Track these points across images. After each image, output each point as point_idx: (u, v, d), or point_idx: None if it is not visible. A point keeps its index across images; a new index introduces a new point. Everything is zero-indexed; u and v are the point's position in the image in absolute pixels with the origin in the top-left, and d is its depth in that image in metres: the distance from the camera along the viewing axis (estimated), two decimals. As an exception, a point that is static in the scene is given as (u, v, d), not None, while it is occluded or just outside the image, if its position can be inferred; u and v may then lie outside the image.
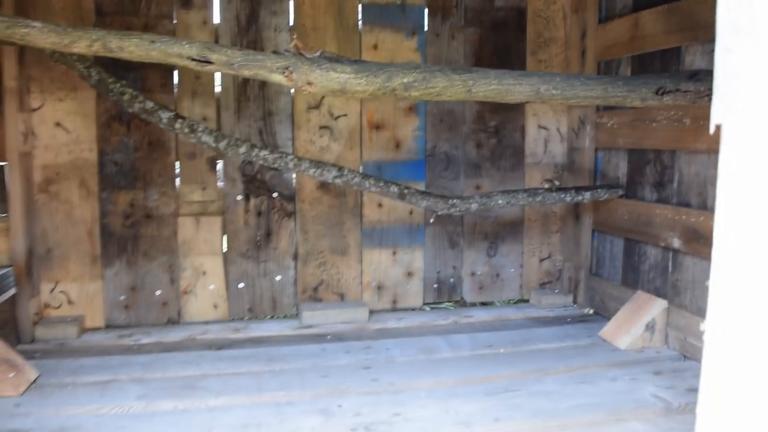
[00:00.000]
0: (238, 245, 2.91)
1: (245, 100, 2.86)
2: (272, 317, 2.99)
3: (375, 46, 2.94)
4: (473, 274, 3.20)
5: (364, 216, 3.02)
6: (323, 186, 2.95)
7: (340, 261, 3.02)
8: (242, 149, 2.44)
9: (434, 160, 3.07)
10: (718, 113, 1.05)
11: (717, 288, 1.03)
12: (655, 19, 2.59)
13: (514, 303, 3.28)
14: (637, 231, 2.75)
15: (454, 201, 2.65)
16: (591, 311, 3.10)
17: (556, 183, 2.77)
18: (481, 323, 2.95)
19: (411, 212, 3.05)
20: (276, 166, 2.50)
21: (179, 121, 2.42)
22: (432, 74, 1.83)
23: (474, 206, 2.68)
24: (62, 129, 2.73)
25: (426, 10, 3.01)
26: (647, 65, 2.68)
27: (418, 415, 1.97)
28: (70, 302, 2.79)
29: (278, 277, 2.96)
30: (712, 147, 2.23)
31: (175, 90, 2.81)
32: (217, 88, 2.87)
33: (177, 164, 2.86)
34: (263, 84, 2.85)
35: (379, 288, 3.08)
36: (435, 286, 3.16)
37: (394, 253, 3.07)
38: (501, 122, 3.12)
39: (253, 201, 2.90)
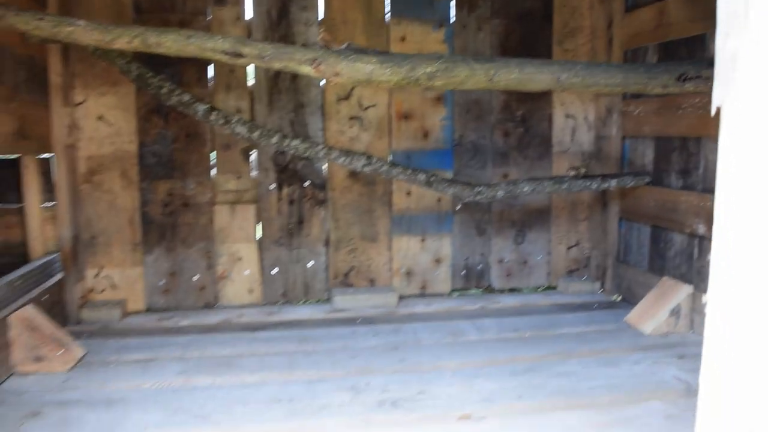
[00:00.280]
0: (272, 232, 3.02)
1: (277, 92, 2.96)
2: (305, 302, 3.09)
3: (403, 39, 3.01)
4: (501, 261, 3.26)
5: (393, 204, 3.10)
6: (353, 175, 3.04)
7: (370, 248, 3.11)
8: (274, 139, 2.54)
9: (461, 149, 3.14)
10: (718, 96, 1.11)
11: (718, 263, 1.09)
12: (680, 6, 2.61)
13: (542, 290, 3.33)
14: (664, 218, 2.78)
15: (480, 188, 2.71)
16: (618, 298, 3.14)
17: (582, 170, 2.81)
18: (508, 308, 3.01)
19: (439, 200, 3.12)
20: (307, 155, 2.59)
21: (214, 113, 2.53)
22: (454, 64, 1.90)
23: (500, 193, 2.74)
24: (104, 122, 2.87)
25: (453, 2, 3.07)
26: (673, 53, 2.70)
27: (443, 392, 2.05)
28: (113, 287, 2.93)
29: (310, 263, 3.06)
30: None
31: (210, 84, 2.93)
32: (250, 82, 2.97)
33: (213, 155, 2.97)
34: (294, 77, 2.94)
35: (408, 274, 3.16)
36: (463, 272, 3.23)
37: (423, 240, 3.15)
38: (528, 111, 3.17)
39: (285, 190, 3.01)
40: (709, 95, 2.45)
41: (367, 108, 3.03)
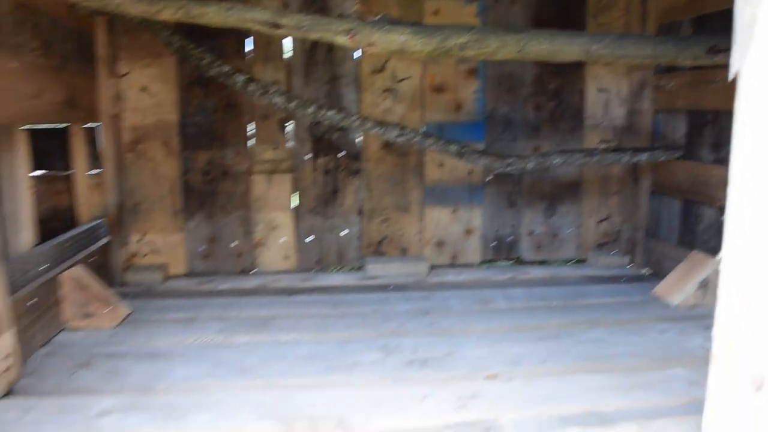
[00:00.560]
0: (307, 201, 3.12)
1: (313, 64, 3.03)
2: (338, 269, 3.19)
3: (436, 12, 3.05)
4: (531, 233, 3.30)
5: (426, 175, 3.17)
6: (387, 146, 3.10)
7: (402, 218, 3.18)
8: (310, 109, 2.62)
9: (493, 122, 3.18)
10: (736, 60, 1.15)
11: (732, 223, 1.14)
12: (715, -22, 2.61)
13: (571, 263, 3.37)
14: (695, 192, 2.79)
15: (511, 159, 2.76)
16: (648, 272, 3.17)
17: (612, 142, 2.83)
18: (537, 279, 3.07)
19: (470, 172, 3.18)
20: (342, 125, 2.66)
21: (253, 83, 2.61)
22: (485, 35, 1.95)
23: (530, 165, 2.78)
24: (147, 93, 2.97)
25: (487, -24, 3.10)
26: (707, 26, 2.70)
27: (470, 353, 2.13)
28: (155, 251, 3.06)
29: (344, 232, 3.15)
30: None
31: (248, 56, 3.01)
32: (287, 54, 3.05)
33: (251, 126, 3.06)
34: (330, 49, 3.01)
35: (439, 244, 3.23)
36: (493, 244, 3.29)
37: (454, 211, 3.21)
38: (560, 85, 3.19)
39: (321, 160, 3.09)
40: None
41: (401, 80, 3.08)
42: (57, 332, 2.29)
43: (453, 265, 3.26)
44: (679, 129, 2.92)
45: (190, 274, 3.09)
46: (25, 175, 2.23)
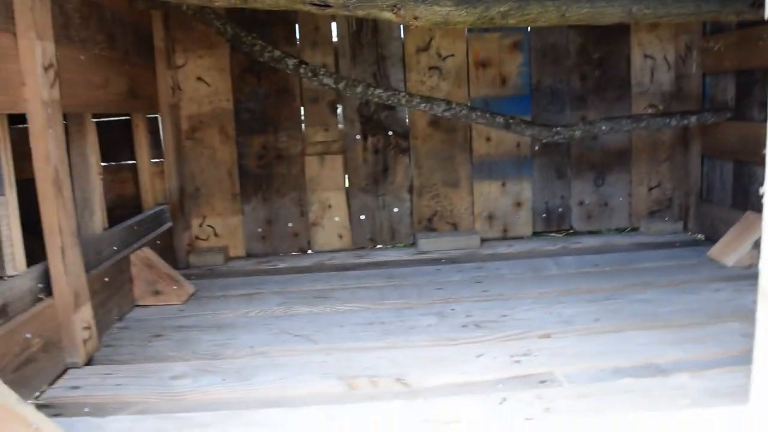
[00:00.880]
0: (359, 180, 3.20)
1: (359, 46, 3.11)
2: (391, 246, 3.27)
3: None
4: (581, 203, 3.32)
5: (474, 150, 3.21)
6: (434, 123, 3.16)
7: (452, 193, 3.24)
8: (359, 89, 2.70)
9: (539, 94, 3.20)
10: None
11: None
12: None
13: (623, 231, 3.37)
14: (746, 152, 2.77)
15: (558, 129, 2.78)
16: (701, 237, 3.15)
17: (660, 108, 2.83)
18: (589, 248, 3.08)
19: (518, 145, 3.21)
20: (390, 102, 2.74)
21: (303, 66, 2.70)
22: (527, 2, 1.99)
23: (578, 133, 2.81)
24: (203, 83, 3.11)
25: (528, -51, 3.11)
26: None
27: (524, 316, 2.18)
28: (216, 234, 3.19)
29: (395, 209, 3.23)
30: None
31: (297, 42, 3.11)
32: (334, 38, 3.13)
33: (302, 109, 3.17)
34: (375, 31, 3.09)
35: (490, 218, 3.28)
36: (543, 215, 3.32)
37: (503, 184, 3.25)
38: (605, 54, 3.19)
39: (370, 140, 3.17)
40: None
41: (445, 58, 3.14)
42: (130, 309, 2.44)
43: (504, 238, 3.30)
44: (727, 90, 2.89)
45: (248, 255, 3.22)
46: (95, 162, 2.37)
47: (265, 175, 3.17)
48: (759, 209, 2.67)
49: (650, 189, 3.33)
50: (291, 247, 3.22)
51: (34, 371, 1.73)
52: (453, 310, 2.27)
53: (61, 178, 1.89)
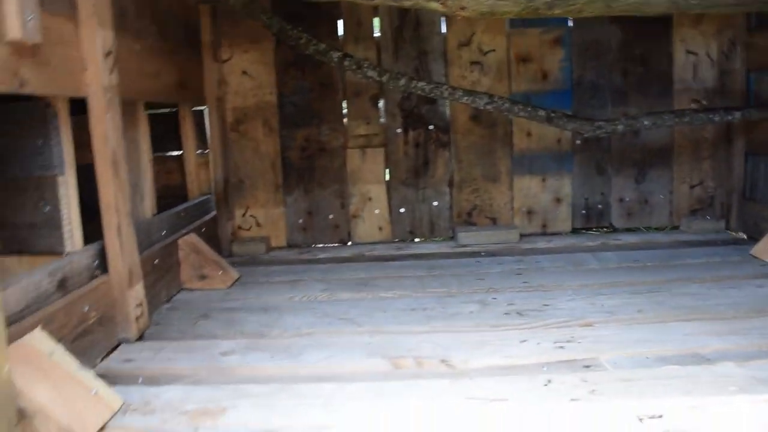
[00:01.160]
0: (399, 174, 3.24)
1: (402, 41, 3.15)
2: (430, 239, 3.29)
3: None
4: (621, 200, 3.31)
5: (514, 145, 3.23)
6: (475, 117, 3.19)
7: (492, 187, 3.26)
8: (402, 81, 2.73)
9: (580, 90, 3.20)
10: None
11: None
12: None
13: (663, 230, 3.35)
14: (792, 149, 2.74)
15: (600, 123, 2.78)
16: (744, 236, 3.12)
17: (704, 103, 2.81)
18: (629, 244, 3.07)
19: (559, 140, 3.21)
20: (432, 95, 2.77)
21: (347, 59, 2.75)
22: (573, -9, 2.00)
23: (620, 128, 2.80)
24: (248, 76, 3.17)
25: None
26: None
27: (565, 306, 2.19)
28: (258, 225, 3.26)
29: (435, 203, 3.26)
30: None
31: (340, 37, 3.16)
32: (376, 33, 3.18)
33: (344, 103, 3.21)
34: (418, 26, 3.12)
35: (529, 213, 3.29)
36: (583, 211, 3.31)
37: (543, 179, 3.26)
38: (647, 49, 3.18)
39: (411, 133, 3.21)
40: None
41: (486, 53, 3.16)
42: (177, 291, 2.51)
43: (543, 233, 3.30)
44: (774, 87, 2.87)
45: (290, 246, 3.27)
46: (147, 149, 2.44)
47: (308, 168, 3.22)
48: (806, 204, 2.65)
49: (692, 187, 3.30)
50: (331, 238, 3.27)
51: (90, 343, 1.79)
52: (494, 299, 2.29)
53: (118, 160, 1.96)
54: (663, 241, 3.13)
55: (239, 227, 3.26)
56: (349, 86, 3.18)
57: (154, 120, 2.94)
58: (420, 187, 3.25)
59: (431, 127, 3.21)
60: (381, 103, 3.22)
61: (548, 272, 2.64)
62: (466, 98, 2.74)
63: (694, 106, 2.82)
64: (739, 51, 3.02)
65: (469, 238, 3.15)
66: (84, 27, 1.84)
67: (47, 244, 1.87)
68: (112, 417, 1.48)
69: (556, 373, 1.66)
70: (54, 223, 1.87)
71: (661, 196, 3.30)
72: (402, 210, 3.26)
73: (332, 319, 2.14)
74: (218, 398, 1.56)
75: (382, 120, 3.22)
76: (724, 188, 3.24)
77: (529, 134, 3.21)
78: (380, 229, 3.27)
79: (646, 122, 2.79)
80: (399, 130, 3.20)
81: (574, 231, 3.33)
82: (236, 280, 2.65)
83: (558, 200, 3.28)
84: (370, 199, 3.24)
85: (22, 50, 1.51)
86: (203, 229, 2.87)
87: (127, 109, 2.34)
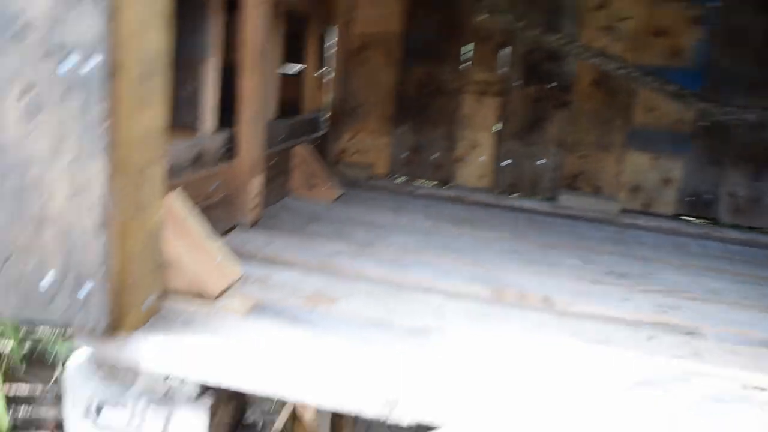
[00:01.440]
0: (510, 126, 3.22)
1: (537, -6, 3.11)
2: (530, 197, 3.27)
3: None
4: (732, 194, 3.20)
5: (633, 118, 3.15)
6: (598, 83, 3.12)
7: (601, 156, 3.21)
8: (536, 31, 2.71)
9: (713, 73, 3.08)
10: None
11: None
12: None
13: (772, 232, 3.24)
14: None
15: (731, 108, 2.70)
16: None
17: None
18: (734, 239, 2.97)
19: (679, 120, 3.12)
20: (563, 51, 2.73)
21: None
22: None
23: (751, 117, 2.71)
24: (377, 4, 3.19)
25: None
26: None
27: (667, 278, 2.16)
28: (363, 151, 3.31)
29: (541, 161, 3.23)
30: None
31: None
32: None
33: (469, 46, 3.20)
34: (553, -20, 3.08)
35: (634, 189, 3.22)
36: (689, 198, 3.23)
37: (656, 158, 3.18)
38: (795, 43, 3.04)
39: (530, 88, 3.17)
40: None
41: (622, 19, 3.08)
42: (286, 196, 2.60)
43: (645, 212, 3.24)
44: None
45: (390, 177, 3.32)
46: (278, 55, 2.51)
47: (421, 105, 3.24)
48: None
49: (810, 193, 3.17)
50: (432, 177, 3.30)
51: (213, 219, 1.88)
52: (595, 258, 2.29)
53: (264, 53, 2.03)
54: (769, 242, 3.03)
55: (344, 151, 3.32)
56: (478, 31, 3.16)
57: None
58: (529, 143, 3.22)
59: (552, 85, 3.16)
60: (506, 52, 3.19)
61: (649, 247, 2.60)
62: (596, 59, 2.70)
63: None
64: None
65: (570, 201, 3.12)
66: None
67: (188, 120, 1.96)
68: (233, 284, 1.56)
69: (660, 333, 1.66)
70: (195, 102, 1.96)
71: (775, 198, 3.19)
72: (507, 162, 3.25)
73: (435, 245, 2.18)
74: (332, 288, 1.64)
75: (504, 69, 3.20)
76: None
77: (651, 109, 3.13)
78: (481, 177, 3.27)
79: (781, 115, 2.68)
80: (518, 83, 3.18)
81: (676, 217, 3.25)
82: (341, 196, 2.72)
83: (666, 182, 3.21)
84: (477, 146, 3.25)
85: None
86: (313, 144, 2.94)
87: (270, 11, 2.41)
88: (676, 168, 3.19)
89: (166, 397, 1.30)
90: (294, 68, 3.23)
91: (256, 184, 2.10)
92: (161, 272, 1.38)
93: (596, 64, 2.71)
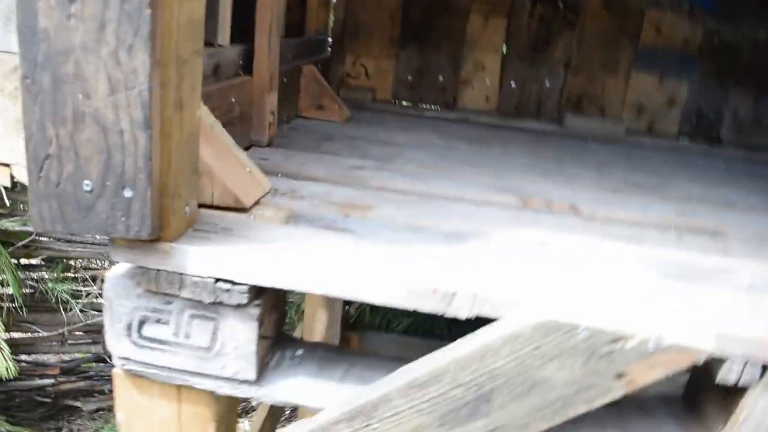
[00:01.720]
0: (517, 47, 3.18)
1: None
2: (535, 119, 3.25)
3: None
4: (735, 114, 3.21)
5: (641, 39, 3.11)
6: (607, 5, 3.07)
7: (607, 78, 3.18)
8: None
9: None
10: None
11: None
12: None
13: (772, 151, 3.26)
14: None
15: (742, 26, 2.67)
16: None
17: None
18: (737, 157, 3.00)
19: (686, 40, 3.09)
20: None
21: None
22: None
23: (763, 34, 2.69)
24: None
25: None
26: None
27: (682, 187, 2.19)
28: (366, 75, 3.25)
29: (547, 83, 3.20)
30: None
31: None
32: None
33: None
34: None
35: (639, 110, 3.21)
36: (693, 118, 3.23)
37: (661, 80, 3.16)
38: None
39: (538, 7, 3.12)
40: None
41: (634, -64, 3.02)
42: (295, 116, 2.56)
43: (649, 133, 3.24)
44: None
45: (394, 100, 3.28)
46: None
47: (426, 26, 3.17)
48: None
49: (813, 111, 3.18)
50: (436, 100, 3.25)
51: (232, 134, 1.85)
52: (609, 171, 2.30)
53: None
54: (771, 160, 3.06)
55: (348, 74, 3.26)
56: (483, -53, 3.08)
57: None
58: (535, 64, 3.18)
59: (561, 4, 3.11)
60: (513, -30, 3.13)
61: (656, 161, 2.62)
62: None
63: None
64: None
65: (575, 122, 3.11)
66: None
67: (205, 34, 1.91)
68: (264, 195, 1.55)
69: (686, 233, 1.68)
70: (211, 13, 1.90)
71: (777, 117, 3.20)
72: (513, 84, 3.22)
73: (452, 160, 2.17)
74: (362, 198, 1.63)
75: (512, -12, 3.14)
76: None
77: (658, 30, 3.09)
78: (487, 99, 3.24)
79: (791, 30, 2.67)
80: (526, 2, 3.12)
81: (680, 136, 3.26)
82: (349, 117, 2.68)
83: (671, 102, 3.20)
84: (483, 68, 3.20)
85: None
86: (319, 66, 2.89)
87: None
88: (681, 89, 3.18)
89: (212, 307, 1.23)
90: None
91: (272, 101, 2.06)
92: (198, 179, 1.35)
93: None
